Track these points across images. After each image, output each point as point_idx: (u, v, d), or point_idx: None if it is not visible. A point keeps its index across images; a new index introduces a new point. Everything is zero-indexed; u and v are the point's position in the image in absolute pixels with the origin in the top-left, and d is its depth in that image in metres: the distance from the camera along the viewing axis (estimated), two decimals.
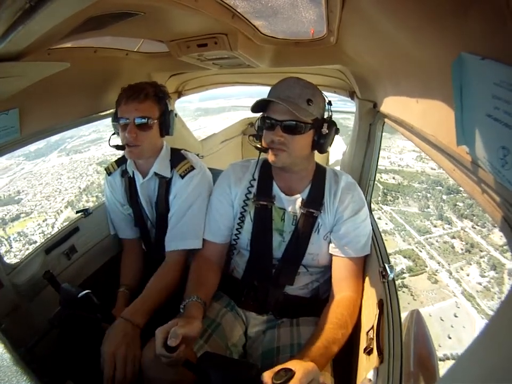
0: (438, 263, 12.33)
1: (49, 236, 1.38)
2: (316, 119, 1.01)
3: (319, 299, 1.15)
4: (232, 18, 0.99)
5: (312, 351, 0.84)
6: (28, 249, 15.72)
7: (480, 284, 11.30)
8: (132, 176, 1.35)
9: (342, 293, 1.03)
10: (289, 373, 0.68)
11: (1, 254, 1.12)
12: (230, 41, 1.13)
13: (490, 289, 11.03)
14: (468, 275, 11.68)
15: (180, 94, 2.30)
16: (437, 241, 13.27)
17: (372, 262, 1.08)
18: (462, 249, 12.73)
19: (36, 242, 16.56)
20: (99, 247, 1.55)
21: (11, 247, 16.25)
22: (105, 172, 1.43)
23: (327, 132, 1.01)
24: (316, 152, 1.08)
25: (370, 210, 1.49)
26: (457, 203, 14.44)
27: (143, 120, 1.16)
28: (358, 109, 1.64)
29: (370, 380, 0.72)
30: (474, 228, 13.30)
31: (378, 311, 0.87)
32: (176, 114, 1.29)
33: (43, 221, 18.05)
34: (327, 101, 1.07)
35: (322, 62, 1.37)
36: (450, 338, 9.87)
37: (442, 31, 0.52)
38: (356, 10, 0.79)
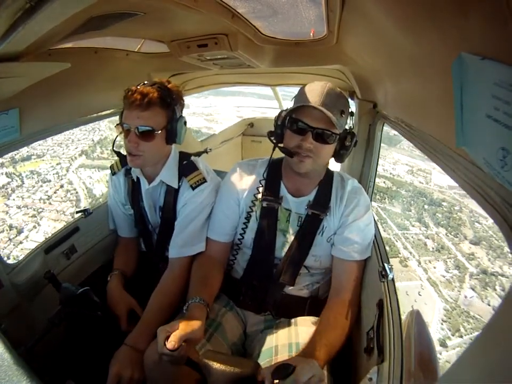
0: (410, 253, 14.23)
1: (50, 232, 1.38)
2: (344, 130, 1.01)
3: (318, 299, 1.15)
4: (232, 19, 0.99)
5: (311, 350, 0.84)
6: (41, 186, 15.83)
7: (444, 276, 13.18)
8: (135, 180, 1.33)
9: (341, 294, 1.03)
10: (289, 368, 0.67)
11: (0, 254, 1.12)
12: (230, 41, 1.13)
13: (452, 283, 12.88)
14: (434, 267, 13.54)
15: None
16: (412, 237, 15.18)
17: (372, 262, 1.08)
18: (433, 248, 14.61)
19: (50, 181, 16.57)
20: (99, 247, 1.55)
21: (23, 183, 15.99)
22: (110, 170, 1.41)
23: (349, 143, 1.01)
24: None
25: None
26: (437, 213, 16.39)
27: (146, 129, 1.07)
28: (358, 109, 1.64)
29: (371, 379, 0.72)
30: (448, 235, 15.21)
31: (378, 311, 0.86)
32: (185, 122, 1.18)
33: (57, 164, 18.20)
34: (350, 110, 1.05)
35: (323, 62, 1.37)
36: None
37: (442, 31, 0.52)
38: (356, 10, 0.79)
